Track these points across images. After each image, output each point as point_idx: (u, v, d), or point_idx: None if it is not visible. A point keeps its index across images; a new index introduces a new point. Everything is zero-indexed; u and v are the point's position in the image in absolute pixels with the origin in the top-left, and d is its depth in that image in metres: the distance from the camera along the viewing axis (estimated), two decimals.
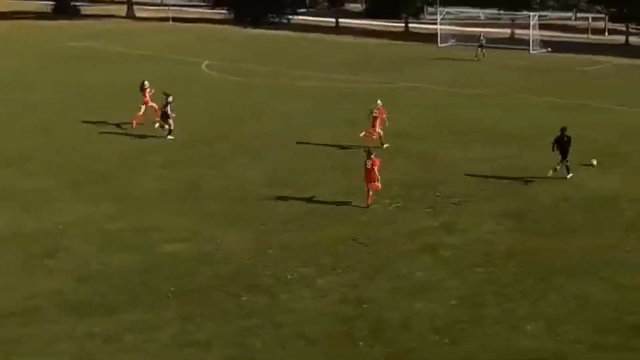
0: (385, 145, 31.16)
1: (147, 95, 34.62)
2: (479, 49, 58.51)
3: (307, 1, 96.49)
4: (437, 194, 26.11)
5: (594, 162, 29.33)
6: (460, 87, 45.78)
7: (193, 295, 18.94)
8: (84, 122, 36.29)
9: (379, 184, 24.89)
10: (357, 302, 18.58)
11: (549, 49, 62.30)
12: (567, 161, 27.64)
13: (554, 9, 79.93)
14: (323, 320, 17.76)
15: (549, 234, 22.62)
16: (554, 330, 17.22)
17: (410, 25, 79.47)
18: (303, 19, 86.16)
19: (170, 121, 33.00)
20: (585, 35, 74.03)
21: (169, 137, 32.95)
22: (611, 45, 67.40)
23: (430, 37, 68.61)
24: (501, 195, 26.04)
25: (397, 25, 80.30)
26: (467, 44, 65.29)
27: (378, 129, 31.47)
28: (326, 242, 22.07)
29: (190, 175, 28.28)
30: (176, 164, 29.84)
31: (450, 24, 69.48)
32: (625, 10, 69.20)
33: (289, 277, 19.88)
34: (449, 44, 66.45)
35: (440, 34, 67.44)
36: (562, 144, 27.67)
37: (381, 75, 49.97)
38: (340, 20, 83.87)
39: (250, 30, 76.94)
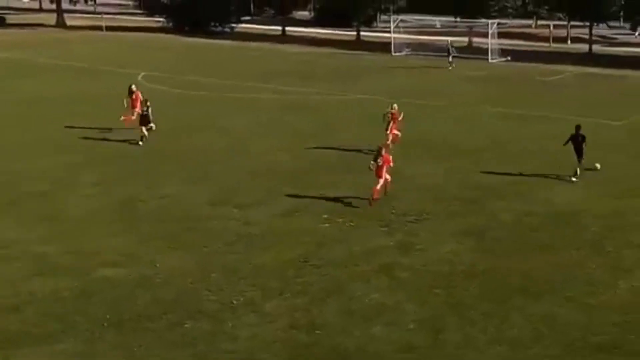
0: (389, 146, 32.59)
1: (138, 98, 36.16)
2: (450, 58, 59.38)
3: (252, 9, 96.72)
4: (393, 211, 26.17)
5: (598, 165, 30.12)
6: (414, 98, 46.05)
7: (131, 323, 18.68)
8: (10, 138, 35.82)
9: (383, 182, 26.87)
10: (310, 327, 18.50)
11: (509, 58, 63.13)
12: (581, 163, 29.23)
13: (514, 16, 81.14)
14: (273, 347, 17.63)
15: (511, 253, 22.79)
16: (519, 354, 17.32)
17: (362, 33, 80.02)
18: (247, 28, 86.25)
19: (152, 125, 34.89)
20: (546, 44, 75.19)
21: (140, 142, 34.56)
22: (574, 54, 68.57)
23: (384, 46, 69.10)
24: (460, 212, 26.19)
25: (348, 34, 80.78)
26: (422, 53, 65.96)
27: (395, 131, 33.49)
28: (274, 264, 21.96)
29: (127, 194, 27.99)
30: (111, 181, 29.52)
31: (404, 33, 70.08)
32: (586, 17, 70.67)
33: (234, 302, 19.72)
34: (404, 53, 66.98)
35: (394, 42, 68.01)
36: (577, 142, 29.28)
37: (332, 86, 50.16)
38: (288, 28, 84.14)
39: (191, 40, 76.75)
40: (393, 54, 66.59)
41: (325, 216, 25.50)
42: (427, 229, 24.61)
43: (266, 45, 73.93)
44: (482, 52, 64.31)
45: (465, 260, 22.29)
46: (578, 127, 29.73)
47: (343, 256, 22.51)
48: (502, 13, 76.55)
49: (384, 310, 19.32)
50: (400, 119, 33.97)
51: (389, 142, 32.68)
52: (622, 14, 79.20)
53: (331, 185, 28.75)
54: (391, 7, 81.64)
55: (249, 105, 43.97)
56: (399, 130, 33.81)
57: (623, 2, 71.92)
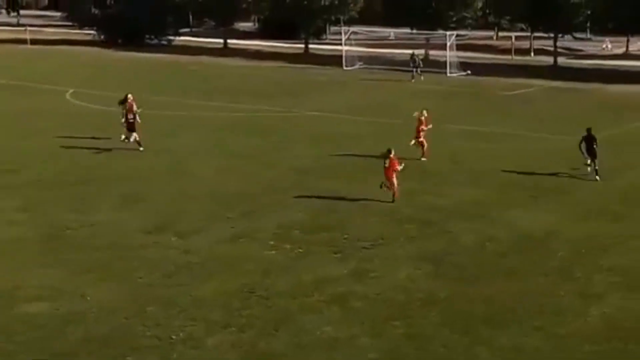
0: (423, 159, 35.69)
1: (133, 108, 38.01)
2: (417, 70, 59.93)
3: (191, 20, 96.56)
4: (345, 236, 26.14)
5: (589, 162, 32.86)
6: (368, 115, 46.29)
7: None
8: None
9: (395, 182, 29.53)
10: None
11: (469, 72, 63.72)
12: (596, 164, 32.54)
13: (473, 27, 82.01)
14: None
15: (474, 279, 22.85)
16: None
17: (310, 46, 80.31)
18: (186, 40, 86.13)
19: (135, 135, 37.21)
20: (508, 57, 76.05)
21: (141, 148, 37.10)
22: (538, 67, 69.42)
23: (334, 60, 69.39)
24: (418, 237, 26.24)
25: (296, 47, 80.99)
26: (376, 66, 66.31)
27: (421, 139, 35.96)
28: (217, 295, 21.77)
29: (54, 221, 27.62)
30: (35, 207, 29.13)
31: (356, 45, 70.44)
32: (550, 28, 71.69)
33: (173, 337, 19.50)
34: (356, 67, 67.31)
35: (346, 55, 68.32)
36: (589, 143, 32.63)
37: (279, 103, 50.21)
38: (230, 41, 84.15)
39: (124, 54, 76.39)
40: (345, 67, 66.87)
41: (272, 242, 25.40)
42: (382, 255, 24.60)
43: (207, 59, 73.86)
44: (440, 65, 64.83)
45: (424, 287, 22.30)
46: (589, 129, 33.04)
47: (292, 286, 22.39)
48: (461, 24, 77.29)
49: (338, 344, 19.22)
50: (427, 127, 36.42)
51: (412, 143, 36.04)
52: (588, 24, 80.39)
53: (279, 209, 28.69)
54: (342, 18, 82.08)
55: (189, 124, 43.79)
56: (424, 139, 36.11)
57: (589, 13, 72.97)
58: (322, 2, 79.30)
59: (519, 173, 33.54)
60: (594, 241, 25.89)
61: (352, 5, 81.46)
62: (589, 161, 32.87)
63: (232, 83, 59.13)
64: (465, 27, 77.86)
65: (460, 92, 56.11)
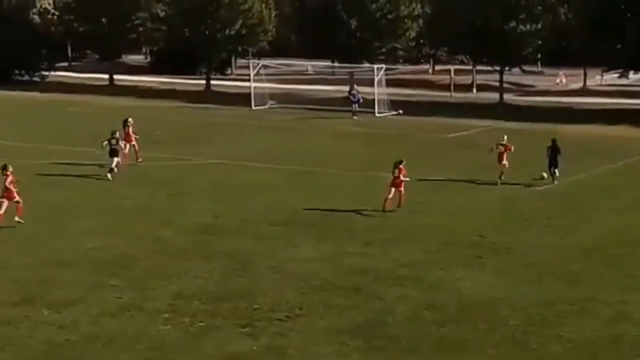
0: (499, 184, 41.03)
1: (131, 132, 45.70)
2: (356, 107, 60.58)
3: (70, 53, 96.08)
4: (256, 306, 25.86)
5: (545, 175, 41.00)
6: (281, 162, 46.30)
7: None
8: None
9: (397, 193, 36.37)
10: None
11: (400, 112, 64.32)
12: (557, 173, 41.57)
13: (406, 60, 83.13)
14: None
15: (411, 354, 22.70)
16: None
17: (213, 82, 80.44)
18: (65, 76, 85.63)
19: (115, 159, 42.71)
20: (447, 94, 77.04)
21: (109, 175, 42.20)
22: (481, 105, 70.42)
23: (241, 98, 69.59)
24: (344, 306, 26.04)
25: (196, 83, 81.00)
26: (291, 105, 66.52)
27: (504, 162, 41.26)
28: None
29: None
30: None
31: (267, 81, 70.71)
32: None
33: None
34: (267, 106, 67.54)
35: (255, 93, 68.43)
36: (553, 154, 41.46)
37: (174, 149, 50.12)
38: (117, 76, 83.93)
39: None
40: (254, 107, 67.03)
41: (167, 315, 24.97)
42: (300, 328, 24.33)
43: (89, 97, 73.42)
44: (367, 104, 65.30)
45: None
46: (554, 141, 41.63)
47: None
48: (391, 56, 78.39)
49: None
50: (510, 150, 42.01)
51: (500, 177, 41.39)
52: (539, 56, 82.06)
53: (175, 275, 28.30)
54: (250, 50, 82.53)
55: (68, 174, 43.30)
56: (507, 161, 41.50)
57: (540, 43, 74.47)
58: (227, 31, 79.67)
59: (459, 228, 33.67)
60: (551, 307, 25.95)
61: (262, 34, 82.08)
62: (550, 172, 41.59)
63: (120, 126, 58.70)
64: (396, 60, 78.91)
65: (390, 135, 56.49)
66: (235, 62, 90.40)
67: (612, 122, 62.91)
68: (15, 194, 34.38)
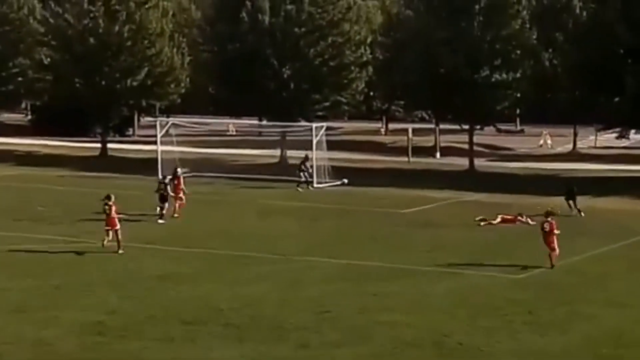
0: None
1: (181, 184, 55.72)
2: (303, 176, 60.95)
3: None
4: None
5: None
6: (190, 245, 46.26)
7: None
8: None
9: (556, 247, 41.76)
10: None
11: (345, 181, 64.55)
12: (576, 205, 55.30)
13: (352, 117, 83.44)
14: None
15: None
16: None
17: (110, 146, 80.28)
18: None
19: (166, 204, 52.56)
20: (403, 158, 77.35)
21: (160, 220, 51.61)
22: (445, 172, 70.81)
23: (146, 165, 69.42)
24: None
25: (89, 147, 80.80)
26: (208, 174, 66.52)
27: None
28: None
29: None
30: None
31: (179, 144, 70.58)
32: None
33: None
34: (179, 174, 67.38)
35: (163, 159, 68.29)
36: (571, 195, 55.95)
37: (62, 230, 49.87)
38: None
39: None
40: (160, 176, 66.80)
41: None
42: None
43: None
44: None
45: None
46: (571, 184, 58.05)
47: None
48: (334, 112, 78.59)
49: None
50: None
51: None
52: (518, 112, 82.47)
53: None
54: (157, 106, 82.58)
55: None
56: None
57: (518, 96, 74.85)
58: (128, 82, 79.65)
59: (419, 325, 33.65)
60: None
61: (172, 85, 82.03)
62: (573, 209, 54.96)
63: None
64: (340, 117, 79.21)
65: (332, 210, 56.64)
66: (138, 121, 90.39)
67: (609, 193, 63.28)
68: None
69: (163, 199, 53.06)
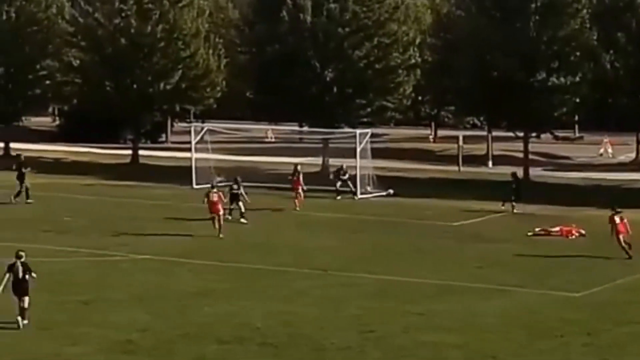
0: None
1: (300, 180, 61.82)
2: (339, 184, 61.14)
3: None
4: None
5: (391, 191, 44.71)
6: (225, 259, 46.25)
7: None
8: None
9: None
10: None
11: (391, 191, 64.52)
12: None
13: (399, 123, 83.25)
14: None
15: None
16: None
17: (142, 153, 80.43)
18: None
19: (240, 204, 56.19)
20: (453, 167, 77.19)
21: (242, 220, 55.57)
22: (498, 183, 70.44)
23: (179, 173, 69.57)
24: None
25: (120, 154, 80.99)
26: (245, 184, 66.54)
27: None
28: None
29: None
30: None
31: (215, 151, 70.60)
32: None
33: None
34: (214, 182, 67.45)
35: (197, 167, 68.38)
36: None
37: (89, 242, 50.01)
38: (14, 145, 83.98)
39: None
40: (195, 185, 66.97)
41: None
42: None
43: None
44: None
45: None
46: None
47: None
48: (380, 118, 78.45)
49: None
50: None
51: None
52: (577, 118, 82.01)
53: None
54: (192, 111, 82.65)
55: None
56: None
57: (577, 101, 74.47)
58: (161, 85, 79.85)
59: (467, 347, 33.57)
60: None
61: (208, 89, 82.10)
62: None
63: (17, 210, 58.62)
64: (386, 123, 79.09)
65: (376, 222, 56.57)
66: (171, 126, 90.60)
67: None
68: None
69: (234, 197, 56.74)
